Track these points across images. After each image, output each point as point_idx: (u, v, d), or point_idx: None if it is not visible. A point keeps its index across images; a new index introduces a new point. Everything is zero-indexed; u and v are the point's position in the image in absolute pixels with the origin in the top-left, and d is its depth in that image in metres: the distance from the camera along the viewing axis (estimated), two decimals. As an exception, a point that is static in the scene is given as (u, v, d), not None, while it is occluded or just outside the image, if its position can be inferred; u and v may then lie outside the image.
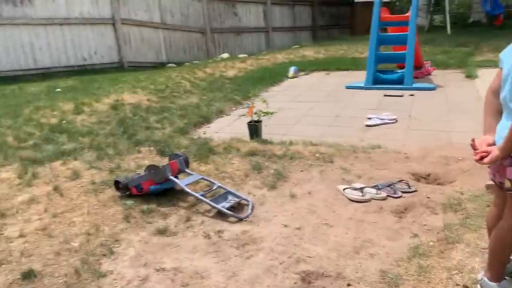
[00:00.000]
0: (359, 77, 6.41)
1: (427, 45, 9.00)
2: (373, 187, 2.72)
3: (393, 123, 4.24)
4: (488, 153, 1.49)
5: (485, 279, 1.66)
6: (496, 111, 1.53)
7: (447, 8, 11.47)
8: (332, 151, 3.47)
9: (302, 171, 3.14)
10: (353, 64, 7.89)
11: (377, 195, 2.63)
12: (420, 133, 3.88)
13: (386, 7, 7.01)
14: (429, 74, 6.45)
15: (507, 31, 10.37)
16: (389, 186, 2.73)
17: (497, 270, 1.63)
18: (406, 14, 6.19)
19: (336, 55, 9.63)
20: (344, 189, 2.73)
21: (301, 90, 6.25)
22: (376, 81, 5.95)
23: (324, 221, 2.41)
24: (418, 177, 2.98)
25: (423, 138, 3.74)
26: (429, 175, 3.01)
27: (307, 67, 7.98)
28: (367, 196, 2.63)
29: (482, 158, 1.51)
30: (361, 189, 2.69)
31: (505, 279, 1.65)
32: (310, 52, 10.06)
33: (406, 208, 2.50)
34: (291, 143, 3.72)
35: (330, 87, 6.26)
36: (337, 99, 5.50)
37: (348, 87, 6.06)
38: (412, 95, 5.34)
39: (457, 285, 1.76)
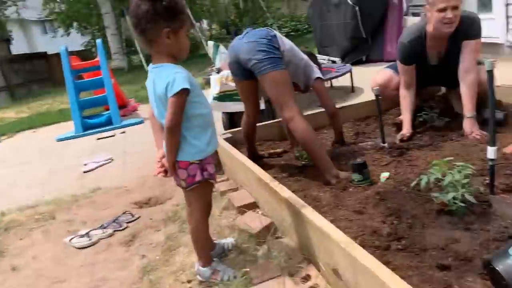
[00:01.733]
0: (69, 127, 6.30)
1: (129, 83, 9.59)
2: (99, 227, 2.77)
3: (109, 162, 4.38)
4: (165, 166, 1.79)
5: (200, 267, 1.96)
6: (161, 127, 1.84)
7: (138, 48, 12.48)
8: (53, 207, 3.33)
9: (21, 239, 2.90)
10: (61, 116, 7.68)
11: (104, 234, 2.69)
12: (136, 165, 4.15)
13: (80, 55, 7.15)
14: (135, 110, 6.92)
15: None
16: (114, 221, 2.83)
17: (204, 256, 1.95)
18: (96, 59, 6.46)
19: (41, 110, 9.15)
20: (70, 239, 2.68)
21: (5, 155, 5.66)
22: (86, 127, 5.98)
23: (55, 280, 2.31)
24: (140, 204, 3.20)
25: (139, 168, 4.01)
26: (150, 199, 3.27)
27: (10, 129, 7.28)
28: (94, 239, 2.66)
29: (165, 172, 1.81)
30: (86, 234, 2.69)
31: (214, 260, 1.99)
32: (10, 114, 9.18)
33: (133, 236, 2.66)
34: (3, 214, 3.36)
35: (40, 144, 5.91)
36: (50, 154, 5.26)
37: (59, 140, 5.87)
38: (123, 132, 5.64)
39: (183, 282, 2.02)
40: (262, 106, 4.17)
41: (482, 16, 5.96)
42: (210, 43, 5.15)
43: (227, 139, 3.31)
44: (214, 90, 4.17)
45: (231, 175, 3.15)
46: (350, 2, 7.13)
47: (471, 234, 1.83)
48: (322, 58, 7.71)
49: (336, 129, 3.27)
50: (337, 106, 4.08)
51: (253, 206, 2.59)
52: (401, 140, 3.08)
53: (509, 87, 3.32)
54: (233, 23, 19.39)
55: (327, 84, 6.03)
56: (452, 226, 1.91)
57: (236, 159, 2.83)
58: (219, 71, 4.47)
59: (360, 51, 7.51)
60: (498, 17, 5.53)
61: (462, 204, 1.90)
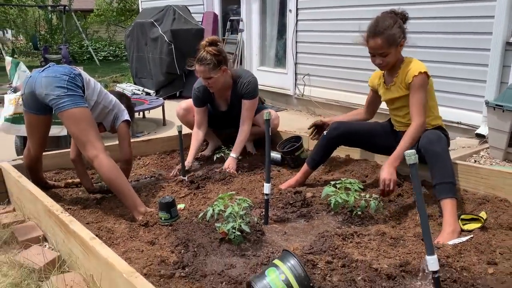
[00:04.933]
0: None
1: None
2: None
3: None
4: None
5: None
6: None
7: None
8: None
9: None
10: None
11: None
12: None
13: None
14: None
15: None
16: None
17: None
18: None
19: None
20: None
21: None
22: None
23: None
24: None
25: None
26: None
27: None
28: None
29: None
30: None
31: None
32: None
33: None
34: None
35: None
36: None
37: None
38: None
39: None
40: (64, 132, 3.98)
41: (277, 70, 6.98)
42: (8, 59, 4.66)
43: (16, 166, 3.02)
44: (7, 110, 3.77)
45: (19, 206, 2.88)
46: (166, 40, 7.41)
47: (245, 259, 2.10)
48: (137, 89, 7.74)
49: (127, 171, 3.14)
50: (146, 138, 4.18)
51: (39, 239, 2.42)
52: (186, 172, 3.28)
53: (288, 132, 3.93)
54: (43, 38, 17.75)
55: (140, 115, 6.07)
56: (230, 253, 2.16)
57: (24, 188, 2.62)
58: (15, 90, 4.07)
59: (175, 86, 7.79)
60: (290, 72, 6.53)
61: (239, 233, 2.18)
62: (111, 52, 19.12)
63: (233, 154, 3.50)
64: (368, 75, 3.07)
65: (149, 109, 5.71)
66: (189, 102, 3.85)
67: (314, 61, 6.04)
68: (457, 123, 4.33)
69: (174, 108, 6.46)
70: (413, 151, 1.59)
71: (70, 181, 3.22)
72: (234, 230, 2.17)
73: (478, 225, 2.27)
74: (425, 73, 2.58)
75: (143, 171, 3.59)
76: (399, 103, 2.74)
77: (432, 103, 2.74)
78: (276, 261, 1.70)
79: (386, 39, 2.54)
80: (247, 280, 1.70)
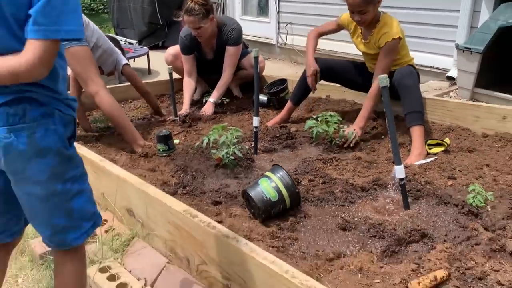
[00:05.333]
0: None
1: None
2: None
3: None
4: None
5: None
6: None
7: None
8: None
9: None
10: None
11: None
12: None
13: None
14: None
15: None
16: None
17: None
18: None
19: None
20: None
21: None
22: None
23: None
24: None
25: None
26: None
27: None
28: None
29: None
30: None
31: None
32: None
33: None
34: None
35: None
36: None
37: None
38: None
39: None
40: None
41: (260, 19, 7.06)
42: None
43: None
44: None
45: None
46: (148, -12, 7.36)
47: (238, 180, 2.37)
48: (119, 39, 7.72)
49: (153, 104, 3.59)
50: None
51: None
52: (184, 116, 3.49)
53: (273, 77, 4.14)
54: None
55: (124, 65, 6.15)
56: (225, 176, 2.43)
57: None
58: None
59: (157, 36, 7.79)
60: (272, 21, 6.62)
61: (232, 158, 2.44)
62: (86, 5, 18.56)
63: (211, 99, 3.66)
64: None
65: (134, 57, 5.80)
66: (177, 48, 3.97)
67: (296, 10, 6.15)
68: (430, 67, 4.59)
69: (157, 58, 6.55)
70: (385, 75, 1.84)
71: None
72: (228, 155, 2.43)
73: (442, 148, 2.58)
74: (398, 38, 2.71)
75: (135, 113, 3.78)
76: (373, 56, 2.92)
77: (404, 52, 2.91)
78: (268, 173, 1.97)
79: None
80: (243, 189, 1.97)
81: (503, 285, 1.44)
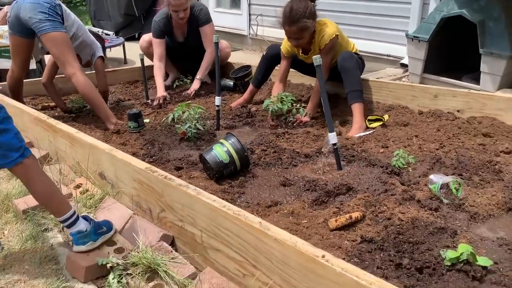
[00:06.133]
0: None
1: None
2: None
3: None
4: None
5: None
6: None
7: None
8: None
9: None
10: None
11: None
12: None
13: None
14: None
15: None
16: None
17: None
18: None
19: None
20: None
21: None
22: None
23: None
24: None
25: None
26: None
27: None
28: None
29: None
30: None
31: None
32: None
33: None
34: None
35: None
36: None
37: None
38: None
39: None
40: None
41: (233, 11, 7.34)
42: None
43: (-3, 90, 3.42)
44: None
45: None
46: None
47: (199, 152, 2.68)
48: (96, 31, 7.90)
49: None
50: (112, 69, 4.57)
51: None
52: (164, 100, 3.77)
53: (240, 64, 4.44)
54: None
55: (101, 55, 6.37)
56: (188, 148, 2.74)
57: (9, 104, 3.04)
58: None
59: (133, 27, 8.01)
60: (244, 13, 6.92)
61: (195, 131, 2.75)
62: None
63: (197, 76, 3.98)
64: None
65: (110, 47, 6.03)
66: (150, 35, 4.23)
67: (266, 1, 6.45)
68: (387, 55, 4.97)
69: (133, 49, 6.78)
70: (319, 56, 2.17)
71: (46, 104, 3.66)
72: (191, 129, 2.74)
73: (380, 123, 2.94)
74: (335, 36, 2.99)
75: (109, 97, 4.03)
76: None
77: (344, 44, 3.20)
78: (221, 140, 2.29)
79: (300, 28, 2.85)
80: (200, 154, 2.29)
81: (402, 220, 1.78)
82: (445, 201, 1.93)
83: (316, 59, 2.15)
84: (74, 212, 1.76)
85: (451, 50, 4.25)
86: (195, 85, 3.95)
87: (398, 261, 1.54)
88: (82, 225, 1.75)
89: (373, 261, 1.58)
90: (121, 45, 6.21)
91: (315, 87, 3.15)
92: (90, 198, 2.20)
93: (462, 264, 1.48)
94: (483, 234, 1.74)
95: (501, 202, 1.93)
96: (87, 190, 2.27)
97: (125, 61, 6.36)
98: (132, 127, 3.03)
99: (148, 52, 4.25)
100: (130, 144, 2.83)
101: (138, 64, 3.81)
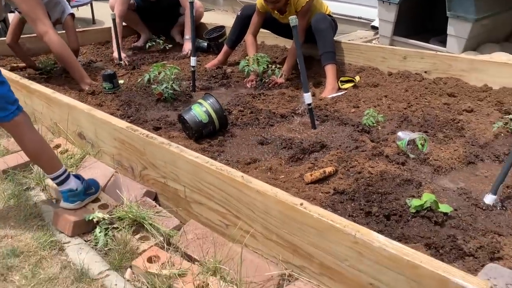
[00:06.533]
0: None
1: None
2: None
3: None
4: None
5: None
6: None
7: None
8: None
9: None
10: None
11: None
12: None
13: None
14: None
15: None
16: None
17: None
18: None
19: None
20: None
21: None
22: None
23: None
24: None
25: None
26: None
27: None
28: None
29: None
30: None
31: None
32: None
33: None
34: None
35: None
36: None
37: None
38: None
39: None
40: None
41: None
42: None
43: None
44: None
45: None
46: None
47: (177, 112, 2.71)
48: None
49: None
50: (82, 29, 4.46)
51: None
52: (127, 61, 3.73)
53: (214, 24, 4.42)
54: None
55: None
56: (165, 109, 2.77)
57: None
58: None
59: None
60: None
61: (171, 91, 2.78)
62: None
63: (187, 36, 3.99)
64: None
65: (77, 6, 5.83)
66: None
67: (238, -39, 6.35)
68: (358, 18, 5.03)
69: (102, 8, 6.56)
70: (295, 16, 2.22)
71: (15, 65, 3.56)
72: (167, 90, 2.77)
73: (352, 84, 3.04)
74: None
75: (81, 58, 3.96)
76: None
77: (318, 5, 3.25)
78: (200, 100, 2.34)
79: None
80: (178, 114, 2.34)
81: (372, 173, 1.92)
82: (411, 156, 2.08)
83: (293, 20, 2.20)
84: (65, 170, 1.80)
85: (420, 13, 4.36)
86: (189, 45, 3.90)
87: (367, 210, 1.68)
88: (73, 184, 1.80)
89: (345, 210, 1.71)
90: (89, 4, 6.00)
91: (291, 48, 3.20)
92: (71, 158, 2.23)
93: (425, 211, 1.63)
94: (445, 185, 1.89)
95: (462, 156, 2.08)
96: (66, 150, 2.30)
97: (93, 21, 6.17)
98: (107, 88, 3.02)
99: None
100: (106, 105, 2.84)
101: (108, 25, 3.74)
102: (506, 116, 2.38)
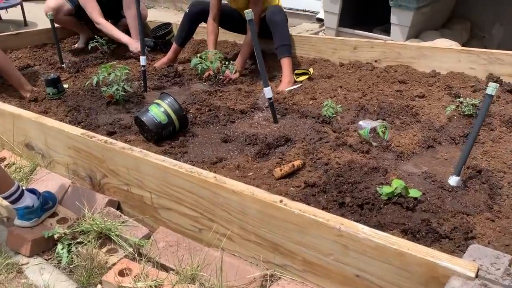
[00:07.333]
0: None
1: None
2: None
3: None
4: None
5: None
6: None
7: None
8: None
9: None
10: None
11: None
12: None
13: None
14: None
15: None
16: None
17: None
18: None
19: None
20: None
21: None
22: None
23: None
24: None
25: None
26: None
27: None
28: None
29: None
30: None
31: None
32: None
33: None
34: None
35: None
36: None
37: None
38: None
39: None
40: None
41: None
42: None
43: None
44: None
45: None
46: None
47: (131, 115, 2.59)
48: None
49: None
50: (15, 31, 4.14)
51: None
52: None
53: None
54: None
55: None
56: (117, 112, 2.63)
57: None
58: None
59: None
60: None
61: (123, 93, 2.64)
62: None
63: (134, 40, 3.68)
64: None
65: (5, 7, 5.43)
66: (56, 1, 3.75)
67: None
68: (303, 10, 5.08)
69: (33, 10, 6.16)
70: (250, 10, 2.17)
71: None
72: (119, 91, 2.63)
73: (307, 77, 3.05)
74: None
75: (17, 63, 3.67)
76: (245, 7, 3.11)
77: None
78: (157, 100, 2.23)
79: None
80: (135, 115, 2.22)
81: (340, 164, 1.92)
82: (374, 144, 2.11)
83: (248, 14, 2.15)
84: (19, 187, 1.64)
85: (363, 4, 4.47)
86: (135, 44, 3.62)
87: (341, 201, 1.68)
88: (28, 200, 1.65)
89: (319, 203, 1.70)
90: (19, 6, 5.61)
91: (244, 43, 3.14)
92: (19, 171, 2.06)
93: (396, 197, 1.66)
94: (409, 170, 1.93)
95: (421, 141, 2.14)
96: (14, 163, 2.11)
97: (25, 23, 5.78)
98: (51, 93, 2.82)
99: (56, 18, 3.76)
100: (52, 111, 2.65)
101: (41, 27, 3.49)
102: (457, 100, 2.48)
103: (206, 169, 1.93)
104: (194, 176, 1.50)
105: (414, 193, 1.68)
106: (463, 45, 3.72)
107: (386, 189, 1.67)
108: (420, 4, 3.73)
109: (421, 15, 3.84)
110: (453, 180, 1.79)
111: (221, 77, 3.08)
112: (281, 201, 1.32)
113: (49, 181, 1.97)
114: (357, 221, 1.57)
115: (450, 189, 1.76)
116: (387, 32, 4.06)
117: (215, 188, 1.45)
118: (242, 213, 1.42)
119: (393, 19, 3.88)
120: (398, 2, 3.77)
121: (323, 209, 1.65)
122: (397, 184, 1.67)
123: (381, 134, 2.16)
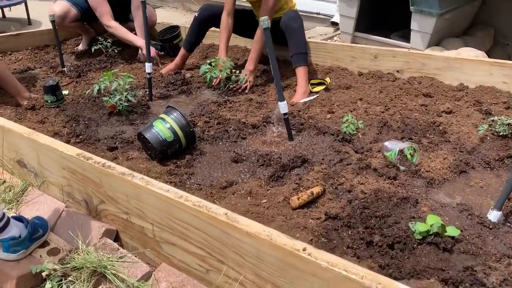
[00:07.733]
0: None
1: None
2: None
3: None
4: None
5: None
6: None
7: None
8: None
9: None
10: None
11: None
12: None
13: None
14: None
15: None
16: None
17: None
18: None
19: None
20: None
21: None
22: None
23: None
24: None
25: None
26: None
27: None
28: None
29: None
30: None
31: None
32: None
33: None
34: None
35: None
36: None
37: None
38: None
39: None
40: None
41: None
42: None
43: None
44: None
45: None
46: None
47: (134, 127, 2.40)
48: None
49: None
50: (16, 32, 3.96)
51: None
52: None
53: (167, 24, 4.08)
54: None
55: (-2, 14, 5.56)
56: (120, 123, 2.44)
57: None
58: None
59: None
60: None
61: (126, 104, 2.45)
62: None
63: (140, 42, 3.45)
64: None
65: (9, 5, 5.27)
66: (62, 7, 3.54)
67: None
68: (317, 13, 4.86)
69: (38, 8, 6.00)
70: (266, 17, 1.97)
71: None
72: (121, 102, 2.43)
73: (323, 87, 2.84)
74: None
75: (16, 65, 3.50)
76: (259, 4, 2.96)
77: None
78: (162, 115, 2.04)
79: None
80: (138, 132, 2.02)
81: (365, 193, 1.72)
82: (402, 168, 1.90)
83: (264, 22, 1.95)
84: (4, 214, 1.45)
85: (380, 8, 4.25)
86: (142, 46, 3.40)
87: (368, 239, 1.47)
88: (15, 230, 1.47)
89: (342, 240, 1.50)
90: (23, 3, 5.44)
91: (253, 48, 2.92)
92: (9, 191, 1.87)
93: (432, 237, 1.45)
94: (442, 200, 1.73)
95: (453, 165, 1.93)
96: (4, 182, 1.93)
97: (29, 22, 5.60)
98: (49, 101, 2.64)
99: (61, 25, 3.57)
100: (49, 121, 2.46)
101: (44, 26, 3.30)
102: (490, 119, 2.27)
103: (214, 195, 1.75)
104: (202, 211, 1.30)
105: (451, 231, 1.47)
106: (487, 53, 3.50)
107: (420, 227, 1.47)
108: (443, 10, 3.51)
109: (444, 21, 3.62)
110: (494, 216, 1.58)
111: (232, 85, 2.88)
112: (304, 250, 1.12)
113: (41, 204, 1.78)
114: (388, 266, 1.37)
115: (491, 226, 1.55)
116: (405, 38, 3.84)
117: (226, 227, 1.26)
118: (257, 258, 1.22)
119: (413, 25, 3.66)
120: (420, 8, 3.56)
121: (347, 248, 1.45)
122: (433, 221, 1.47)
123: (409, 157, 1.95)
